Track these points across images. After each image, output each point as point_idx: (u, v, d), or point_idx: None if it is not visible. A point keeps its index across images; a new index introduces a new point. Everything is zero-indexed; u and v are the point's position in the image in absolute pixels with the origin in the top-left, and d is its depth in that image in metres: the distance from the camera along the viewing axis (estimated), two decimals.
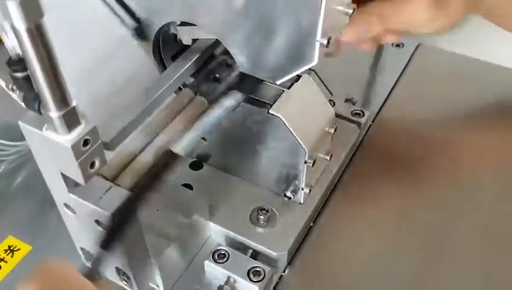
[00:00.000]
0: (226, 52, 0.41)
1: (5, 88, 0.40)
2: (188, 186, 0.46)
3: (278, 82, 0.38)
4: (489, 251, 0.44)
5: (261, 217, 0.43)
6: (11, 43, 0.26)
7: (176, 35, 0.42)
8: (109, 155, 0.33)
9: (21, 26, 0.23)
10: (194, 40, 0.41)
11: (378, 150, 0.53)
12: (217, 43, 0.41)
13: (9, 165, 0.52)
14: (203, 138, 0.47)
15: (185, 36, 0.41)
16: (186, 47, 0.42)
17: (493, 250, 0.45)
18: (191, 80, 0.43)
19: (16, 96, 0.31)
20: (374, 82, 0.60)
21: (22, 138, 0.51)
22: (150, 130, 0.37)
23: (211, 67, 0.42)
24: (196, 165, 0.49)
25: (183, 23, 0.40)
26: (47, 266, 0.27)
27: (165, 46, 0.43)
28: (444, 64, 0.63)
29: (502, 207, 0.48)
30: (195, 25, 0.39)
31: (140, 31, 0.41)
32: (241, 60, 0.38)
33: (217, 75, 0.42)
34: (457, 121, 0.56)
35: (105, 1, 0.39)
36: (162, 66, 0.44)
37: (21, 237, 0.46)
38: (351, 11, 0.35)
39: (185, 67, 0.39)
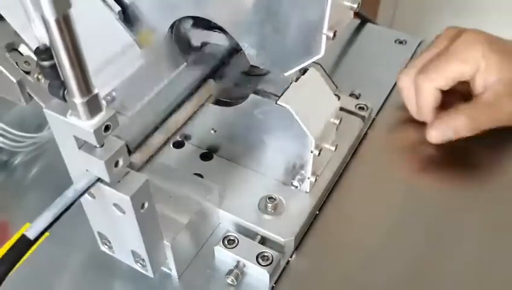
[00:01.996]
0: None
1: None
2: (199, 176, 0.48)
3: (286, 74, 0.40)
4: (490, 241, 0.46)
5: (269, 205, 0.45)
6: (38, 33, 0.28)
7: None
8: None
9: (50, 17, 0.25)
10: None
11: (382, 142, 0.55)
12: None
13: (25, 156, 0.54)
14: (213, 130, 0.48)
15: (195, 39, 0.43)
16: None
17: (494, 241, 0.46)
18: None
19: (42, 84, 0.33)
20: (378, 77, 0.62)
21: (37, 130, 0.54)
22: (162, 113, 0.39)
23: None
24: (206, 156, 0.51)
25: (194, 25, 0.42)
26: None
27: (177, 42, 0.45)
28: None
29: (508, 200, 0.49)
30: (205, 30, 0.41)
31: (125, 15, 0.42)
32: (251, 53, 0.40)
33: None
34: None
35: None
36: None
37: None
38: (355, 5, 0.37)
39: (203, 69, 0.40)
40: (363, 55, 0.66)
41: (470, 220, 0.47)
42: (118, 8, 0.41)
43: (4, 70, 0.37)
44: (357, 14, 0.70)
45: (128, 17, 0.43)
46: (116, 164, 0.32)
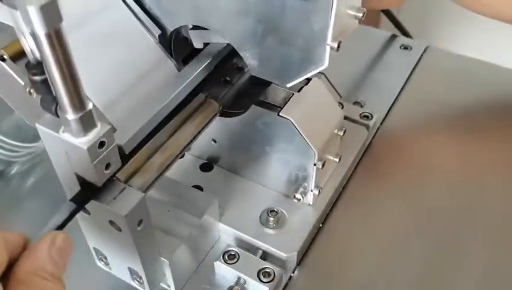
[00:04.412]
0: (236, 55, 0.41)
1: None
2: (198, 187, 0.47)
3: (288, 85, 0.38)
4: (496, 252, 0.45)
5: (271, 218, 0.44)
6: (29, 47, 0.27)
7: (187, 39, 0.43)
8: None
9: (40, 31, 0.24)
10: (206, 44, 0.42)
11: (387, 152, 0.53)
12: (228, 47, 0.41)
13: (22, 166, 0.53)
14: (213, 140, 0.47)
15: (197, 40, 0.42)
16: (197, 50, 0.42)
17: (500, 252, 0.45)
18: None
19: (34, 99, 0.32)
20: (382, 85, 0.60)
21: (33, 139, 0.52)
22: (162, 134, 0.38)
23: (221, 70, 0.43)
24: (206, 167, 0.49)
25: (195, 27, 0.41)
26: None
27: (176, 49, 0.43)
28: (452, 66, 0.63)
29: (509, 210, 0.48)
30: (206, 29, 0.39)
31: (163, 38, 0.41)
32: (252, 64, 0.38)
33: (228, 78, 0.42)
34: (465, 123, 0.57)
35: (130, 8, 0.39)
36: None
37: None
38: (360, 14, 0.35)
39: (198, 71, 0.39)
40: (368, 61, 0.65)
41: (476, 230, 0.46)
42: (158, 32, 0.40)
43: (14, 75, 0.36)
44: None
45: None
46: (107, 167, 0.31)
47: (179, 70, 0.44)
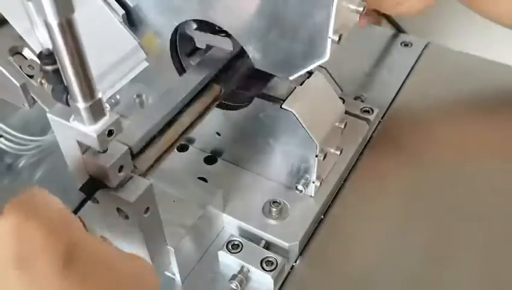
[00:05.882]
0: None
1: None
2: (203, 179, 0.48)
3: (291, 78, 0.39)
4: (495, 247, 0.45)
5: (273, 209, 0.45)
6: (41, 37, 0.28)
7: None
8: None
9: (53, 21, 0.25)
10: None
11: (387, 146, 0.54)
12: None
13: (29, 159, 0.54)
14: (217, 133, 0.48)
15: (200, 41, 0.43)
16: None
17: (499, 245, 0.45)
18: None
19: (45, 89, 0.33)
20: (383, 80, 0.61)
21: (41, 133, 0.53)
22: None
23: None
24: (210, 160, 0.50)
25: (199, 28, 0.42)
26: (29, 192, 0.27)
27: (181, 44, 0.44)
28: (451, 63, 0.64)
29: (508, 204, 0.49)
30: (211, 34, 0.40)
31: (129, 18, 0.42)
32: (256, 57, 0.39)
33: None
34: (464, 119, 0.57)
35: None
36: (179, 64, 0.45)
37: None
38: (361, 9, 0.36)
39: (207, 74, 0.40)
40: (369, 58, 0.66)
41: (475, 224, 0.47)
42: (122, 11, 0.41)
43: (7, 74, 0.37)
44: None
45: (132, 20, 0.42)
46: (120, 169, 0.32)
47: (183, 64, 0.45)
